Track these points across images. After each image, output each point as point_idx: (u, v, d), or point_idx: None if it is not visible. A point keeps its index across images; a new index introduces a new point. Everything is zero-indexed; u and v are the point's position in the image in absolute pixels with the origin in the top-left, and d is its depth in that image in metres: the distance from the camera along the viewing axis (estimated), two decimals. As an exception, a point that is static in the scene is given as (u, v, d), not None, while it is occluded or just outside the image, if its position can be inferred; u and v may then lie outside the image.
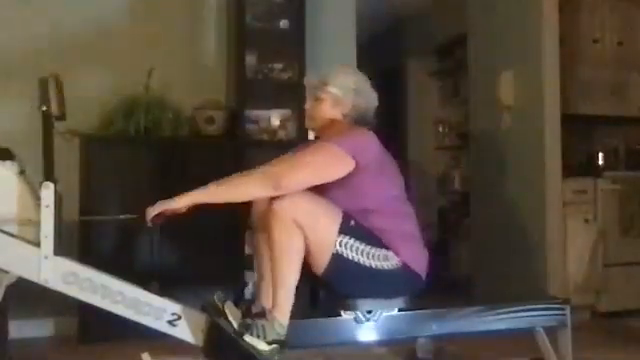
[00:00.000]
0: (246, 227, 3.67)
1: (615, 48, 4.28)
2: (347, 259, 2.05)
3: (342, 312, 2.18)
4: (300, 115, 3.81)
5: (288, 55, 3.88)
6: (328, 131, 2.29)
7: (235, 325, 1.96)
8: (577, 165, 4.27)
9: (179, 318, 2.07)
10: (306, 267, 2.07)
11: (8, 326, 2.93)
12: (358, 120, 2.30)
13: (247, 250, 3.67)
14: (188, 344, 2.09)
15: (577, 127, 4.31)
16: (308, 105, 2.36)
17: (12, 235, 2.00)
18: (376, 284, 2.12)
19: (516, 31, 4.10)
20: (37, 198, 2.02)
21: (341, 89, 2.27)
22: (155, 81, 3.63)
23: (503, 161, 4.19)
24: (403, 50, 6.40)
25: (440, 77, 6.24)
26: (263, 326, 1.97)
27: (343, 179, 2.11)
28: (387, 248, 2.11)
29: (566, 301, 2.44)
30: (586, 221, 3.95)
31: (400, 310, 2.22)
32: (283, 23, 3.87)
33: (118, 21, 3.82)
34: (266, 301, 2.13)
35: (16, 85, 3.42)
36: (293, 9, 3.85)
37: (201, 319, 2.07)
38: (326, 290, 2.35)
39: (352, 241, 2.05)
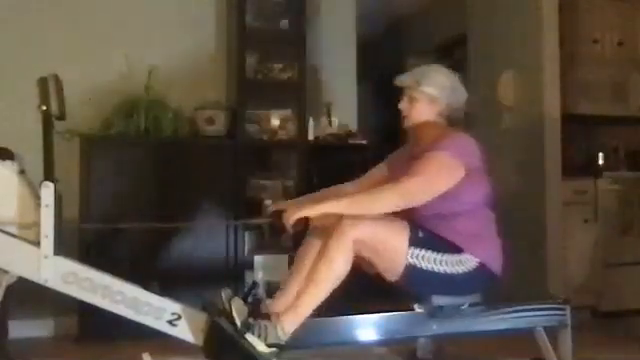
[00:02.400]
0: (246, 228, 3.68)
1: (615, 48, 4.27)
2: (420, 268, 2.11)
3: (416, 306, 2.23)
4: (300, 115, 3.83)
5: (288, 55, 3.88)
6: (425, 132, 2.33)
7: (238, 322, 1.95)
8: (577, 165, 4.27)
9: (179, 318, 2.07)
10: (376, 276, 2.17)
11: (8, 326, 2.93)
12: (452, 117, 2.36)
13: (246, 249, 3.68)
14: (188, 344, 2.08)
15: (577, 127, 4.31)
16: (403, 105, 2.37)
17: (12, 235, 2.00)
18: (451, 286, 2.18)
19: (516, 31, 4.10)
20: (37, 198, 2.02)
21: (436, 88, 2.31)
22: (155, 81, 3.63)
23: (503, 161, 4.18)
24: (403, 50, 6.40)
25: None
26: (266, 327, 1.97)
27: None
28: (462, 252, 2.17)
29: (566, 301, 2.44)
30: (586, 221, 3.95)
31: (471, 305, 2.27)
32: (283, 23, 3.87)
33: (118, 21, 3.82)
34: (278, 305, 2.12)
35: (16, 85, 3.42)
36: (293, 9, 3.85)
37: (201, 319, 2.07)
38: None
39: (423, 252, 2.12)
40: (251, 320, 1.97)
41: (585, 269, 3.91)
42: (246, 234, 3.70)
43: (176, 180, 3.56)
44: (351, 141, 4.00)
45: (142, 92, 3.61)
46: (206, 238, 3.54)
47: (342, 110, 4.14)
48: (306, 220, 2.11)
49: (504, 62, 4.18)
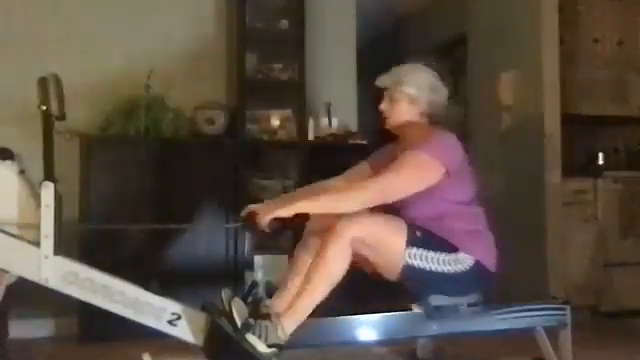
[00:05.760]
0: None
1: (615, 48, 4.27)
2: (418, 268, 2.12)
3: (414, 306, 2.23)
4: (300, 115, 3.83)
5: (288, 55, 3.88)
6: (408, 132, 2.34)
7: (239, 323, 1.96)
8: (577, 165, 4.27)
9: (179, 318, 2.07)
10: (374, 274, 2.19)
11: (8, 326, 2.93)
12: (434, 116, 2.35)
13: (246, 249, 3.68)
14: (188, 344, 2.08)
15: (577, 127, 4.31)
16: (384, 106, 2.37)
17: (12, 235, 2.00)
18: (449, 285, 2.19)
19: (516, 31, 4.10)
20: (37, 198, 2.02)
21: (416, 88, 2.31)
22: (155, 81, 3.63)
23: (503, 161, 4.19)
24: (403, 50, 6.40)
25: (440, 77, 6.22)
26: (266, 327, 1.97)
27: None
28: (458, 251, 2.17)
29: (566, 301, 2.44)
30: (586, 221, 3.95)
31: (469, 305, 2.26)
32: (283, 23, 3.87)
33: (118, 21, 3.82)
34: (278, 305, 2.13)
35: (16, 85, 3.42)
36: (293, 9, 3.86)
37: (201, 319, 2.07)
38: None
39: (421, 251, 2.12)
40: (251, 320, 1.97)
41: (585, 269, 3.91)
42: (246, 234, 3.70)
43: (176, 180, 3.56)
44: (351, 141, 4.00)
45: (142, 92, 3.60)
46: (206, 238, 3.54)
47: (342, 110, 4.14)
48: (282, 220, 2.08)
49: (504, 62, 4.18)
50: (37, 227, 1.99)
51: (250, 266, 3.63)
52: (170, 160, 3.56)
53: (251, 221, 2.16)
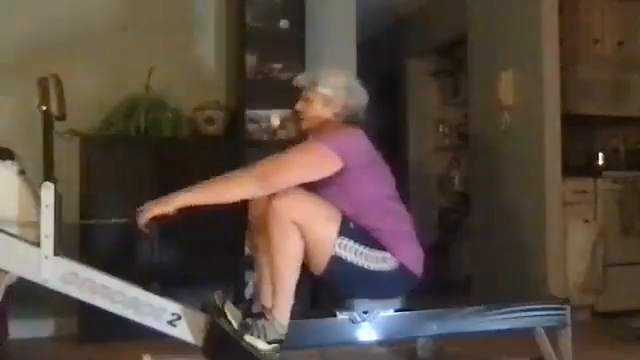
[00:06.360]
0: (246, 227, 3.68)
1: (615, 48, 4.27)
2: (346, 261, 2.05)
3: (337, 313, 2.19)
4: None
5: (288, 55, 3.87)
6: (319, 130, 2.28)
7: (235, 325, 1.96)
8: (577, 165, 4.27)
9: (179, 318, 2.07)
10: (305, 267, 2.09)
11: (8, 326, 2.93)
12: (349, 119, 2.30)
13: (247, 250, 3.67)
14: (188, 344, 2.09)
15: (577, 127, 4.31)
16: (299, 106, 2.33)
17: (12, 235, 2.00)
18: (373, 285, 2.13)
19: (516, 31, 4.10)
20: (37, 198, 2.02)
21: (331, 89, 2.27)
22: (155, 81, 3.63)
23: (503, 161, 4.19)
24: (403, 50, 6.40)
25: (440, 77, 6.23)
26: (263, 326, 1.98)
27: (331, 178, 2.11)
28: (384, 249, 2.11)
29: (566, 301, 2.45)
30: (586, 221, 3.95)
31: (397, 310, 2.23)
32: (283, 23, 3.87)
33: (118, 21, 3.82)
34: (266, 301, 2.13)
35: (16, 85, 3.43)
36: (293, 9, 3.85)
37: (201, 319, 2.07)
38: (324, 289, 2.34)
39: (351, 243, 2.06)
40: (249, 320, 1.98)
41: (585, 269, 3.92)
42: (246, 234, 3.69)
43: (176, 180, 3.53)
44: (351, 141, 4.00)
45: (142, 92, 3.60)
46: (206, 238, 3.54)
47: (342, 110, 4.13)
48: (165, 218, 2.03)
49: (504, 62, 4.18)
50: (37, 227, 1.99)
51: (250, 266, 3.62)
52: (170, 160, 3.56)
53: (132, 221, 2.07)
